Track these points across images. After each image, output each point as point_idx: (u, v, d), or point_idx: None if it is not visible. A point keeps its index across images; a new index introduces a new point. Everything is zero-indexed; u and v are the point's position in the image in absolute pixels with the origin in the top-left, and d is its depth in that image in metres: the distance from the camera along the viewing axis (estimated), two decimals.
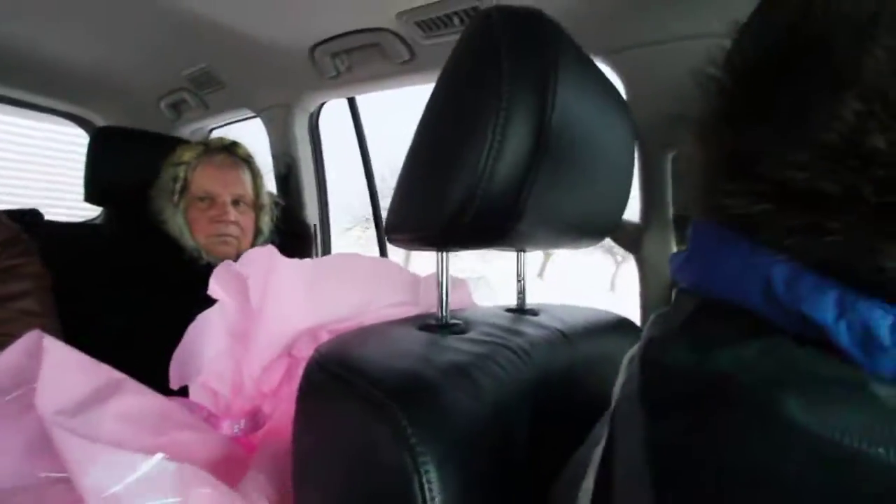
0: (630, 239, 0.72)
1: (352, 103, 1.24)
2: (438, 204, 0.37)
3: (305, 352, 0.49)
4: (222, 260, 0.97)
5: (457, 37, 0.83)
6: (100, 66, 1.44)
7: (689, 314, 0.27)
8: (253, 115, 1.49)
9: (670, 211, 0.70)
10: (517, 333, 0.46)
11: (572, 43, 0.42)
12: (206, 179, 0.97)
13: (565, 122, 0.38)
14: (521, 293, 0.59)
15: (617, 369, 0.56)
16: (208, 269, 0.96)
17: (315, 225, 1.36)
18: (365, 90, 1.12)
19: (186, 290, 0.91)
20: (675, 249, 0.71)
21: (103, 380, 0.33)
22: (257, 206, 1.03)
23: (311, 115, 1.32)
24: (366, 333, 0.42)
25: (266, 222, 1.05)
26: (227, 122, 1.68)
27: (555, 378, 0.45)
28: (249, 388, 0.58)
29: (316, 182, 1.38)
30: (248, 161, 1.04)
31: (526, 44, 0.36)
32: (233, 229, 0.96)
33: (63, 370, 0.30)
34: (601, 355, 0.54)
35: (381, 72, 0.99)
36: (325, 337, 0.48)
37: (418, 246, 0.42)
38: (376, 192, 1.29)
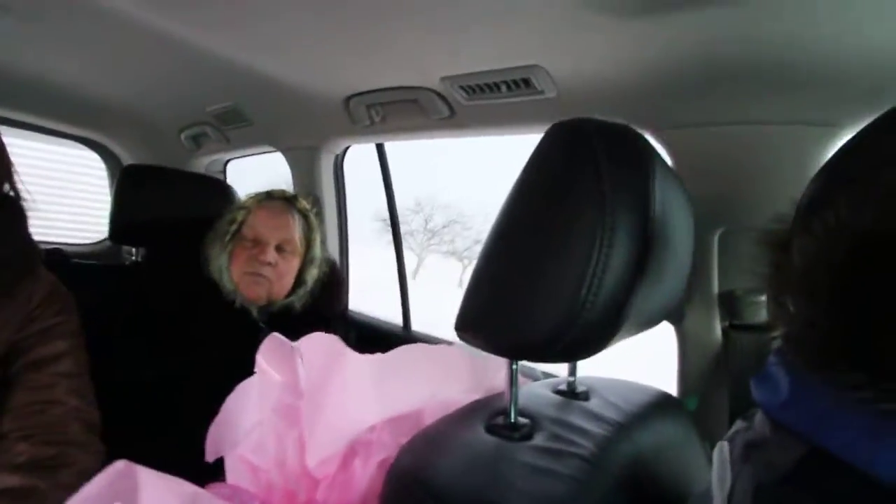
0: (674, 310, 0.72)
1: (380, 147, 1.25)
2: (527, 320, 0.36)
3: (363, 444, 0.47)
4: (254, 304, 0.99)
5: (501, 101, 0.85)
6: (123, 96, 1.45)
7: (800, 463, 0.26)
8: (274, 150, 1.49)
9: (715, 287, 0.70)
10: (582, 433, 0.46)
11: (654, 149, 0.42)
12: (257, 222, 0.99)
13: (662, 223, 0.38)
14: (573, 374, 0.58)
15: (672, 462, 0.55)
16: (241, 313, 0.98)
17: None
18: (397, 139, 1.13)
19: (223, 335, 0.92)
20: (718, 325, 0.71)
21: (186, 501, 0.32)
22: (307, 259, 1.04)
23: (337, 156, 1.33)
24: (438, 440, 0.41)
25: (313, 275, 1.05)
26: (246, 154, 1.69)
27: (620, 480, 0.44)
28: (294, 466, 0.56)
29: (338, 222, 1.37)
30: (304, 213, 1.05)
31: (624, 158, 0.37)
32: (267, 270, 0.97)
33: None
34: (656, 446, 0.53)
35: (416, 125, 1.00)
36: (382, 429, 0.47)
37: (490, 350, 0.41)
38: (399, 232, 1.29)
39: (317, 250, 1.07)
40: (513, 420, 0.43)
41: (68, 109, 1.52)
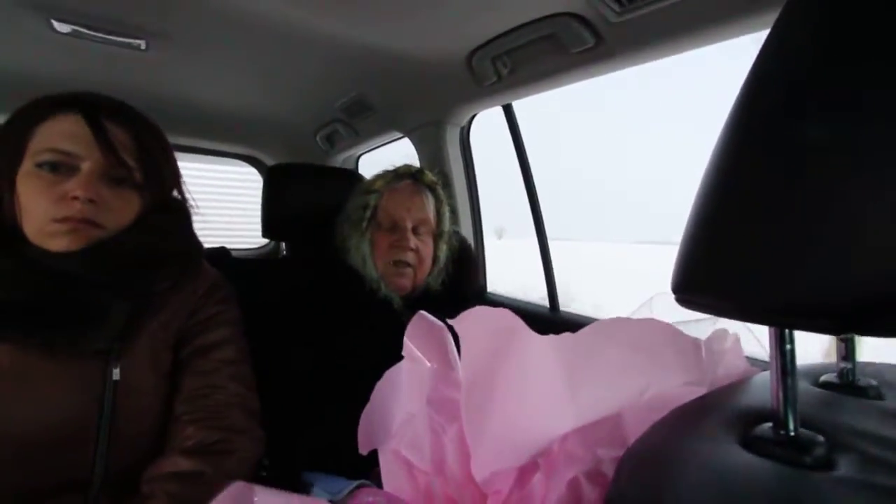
0: None
1: (507, 109, 1.12)
2: (838, 267, 0.20)
3: (545, 456, 0.36)
4: (398, 294, 0.94)
5: (661, 4, 0.65)
6: (266, 111, 1.56)
7: None
8: (400, 136, 1.47)
9: None
10: None
11: None
12: (392, 205, 0.94)
13: None
14: (849, 359, 0.38)
15: None
16: (385, 303, 0.92)
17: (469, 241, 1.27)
18: (527, 93, 0.99)
19: (366, 324, 0.89)
20: None
21: None
22: (438, 234, 0.98)
23: (462, 128, 1.24)
24: (671, 458, 0.27)
25: (444, 251, 0.99)
26: (375, 146, 1.70)
27: None
28: (455, 470, 0.47)
29: (468, 197, 1.29)
30: (432, 188, 0.99)
31: None
32: (410, 256, 0.92)
33: None
34: None
35: (551, 67, 0.85)
36: (570, 437, 0.35)
37: (747, 318, 0.26)
38: (538, 202, 1.15)
39: (446, 224, 1.00)
40: (792, 432, 0.27)
41: (223, 128, 1.69)
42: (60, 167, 0.58)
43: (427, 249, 0.96)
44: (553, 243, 1.16)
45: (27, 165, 0.58)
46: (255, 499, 0.22)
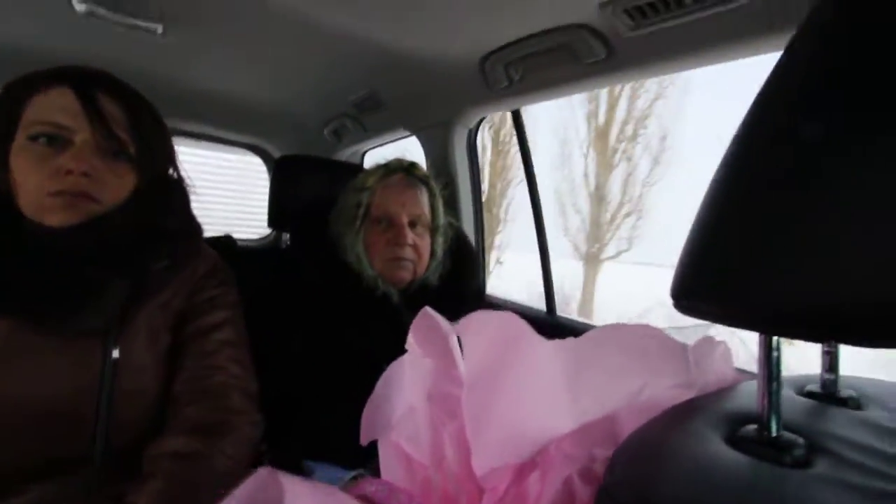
0: None
1: (516, 114, 1.13)
2: (837, 272, 0.22)
3: (542, 454, 0.37)
4: (398, 289, 0.94)
5: (672, 23, 0.67)
6: (277, 102, 1.56)
7: None
8: (408, 134, 1.48)
9: None
10: (889, 461, 0.29)
11: None
12: (386, 201, 0.94)
13: None
14: (832, 370, 0.40)
15: None
16: (384, 299, 0.93)
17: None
18: (535, 100, 1.00)
19: (364, 320, 0.89)
20: None
21: None
22: (433, 228, 0.98)
23: (470, 130, 1.25)
24: (663, 452, 0.29)
25: (440, 244, 0.98)
26: (381, 143, 1.72)
27: None
28: (453, 465, 0.49)
29: (472, 199, 1.30)
30: (425, 181, 0.99)
31: None
32: (409, 252, 0.92)
33: None
34: None
35: (561, 76, 0.87)
36: (567, 437, 0.36)
37: (736, 324, 0.28)
38: (541, 211, 1.17)
39: (440, 217, 0.99)
40: (774, 433, 0.29)
41: (232, 117, 1.70)
42: (54, 140, 0.57)
43: (424, 244, 0.95)
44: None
45: (20, 139, 0.58)
46: (282, 482, 0.23)
